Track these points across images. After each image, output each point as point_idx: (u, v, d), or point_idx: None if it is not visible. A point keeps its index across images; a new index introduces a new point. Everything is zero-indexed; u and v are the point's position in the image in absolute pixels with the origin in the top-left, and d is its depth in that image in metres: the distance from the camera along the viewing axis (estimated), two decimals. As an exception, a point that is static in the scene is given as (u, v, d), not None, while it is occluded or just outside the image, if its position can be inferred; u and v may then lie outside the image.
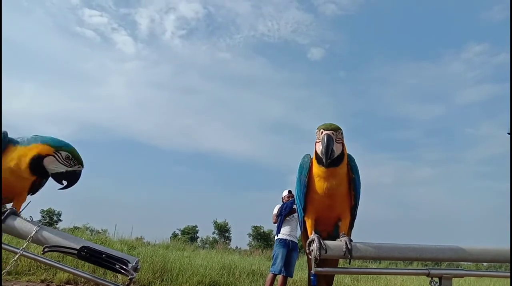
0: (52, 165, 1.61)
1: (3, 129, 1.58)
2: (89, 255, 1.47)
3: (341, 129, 1.70)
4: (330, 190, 1.68)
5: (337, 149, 1.65)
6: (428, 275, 1.56)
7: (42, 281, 7.35)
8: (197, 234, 34.00)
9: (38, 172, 1.61)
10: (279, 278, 6.26)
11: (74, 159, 1.63)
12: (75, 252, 1.47)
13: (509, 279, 1.57)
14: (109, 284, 1.60)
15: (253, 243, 32.54)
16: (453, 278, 1.57)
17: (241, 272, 9.31)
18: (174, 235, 30.92)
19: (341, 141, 1.70)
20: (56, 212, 34.96)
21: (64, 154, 1.61)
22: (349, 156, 1.79)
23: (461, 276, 1.62)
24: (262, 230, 33.29)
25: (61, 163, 1.61)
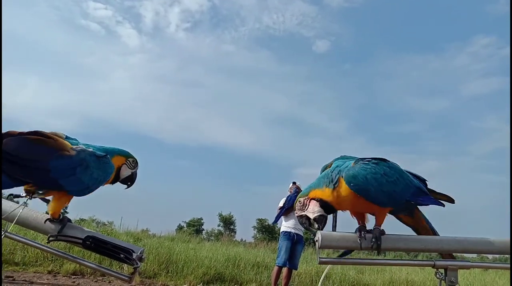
0: (125, 172, 1.75)
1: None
2: (94, 244, 1.48)
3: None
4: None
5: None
6: (433, 266, 1.55)
7: (49, 272, 7.43)
8: (202, 227, 34.21)
9: (114, 181, 1.75)
10: (284, 270, 6.28)
11: (136, 161, 1.78)
12: (80, 241, 1.48)
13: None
14: (115, 274, 1.61)
15: (258, 235, 32.71)
16: (458, 270, 1.56)
17: (246, 264, 9.34)
18: (180, 227, 31.12)
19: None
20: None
21: (131, 159, 1.76)
22: (345, 177, 1.57)
23: (467, 267, 1.61)
24: (266, 223, 33.40)
25: (129, 168, 1.76)
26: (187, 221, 33.63)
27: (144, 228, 15.94)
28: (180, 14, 67.38)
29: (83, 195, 1.55)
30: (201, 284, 7.90)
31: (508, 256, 1.61)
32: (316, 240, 1.49)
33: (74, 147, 1.49)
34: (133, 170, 1.78)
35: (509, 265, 1.74)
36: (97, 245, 1.48)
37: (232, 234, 31.93)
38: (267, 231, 33.01)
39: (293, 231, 6.26)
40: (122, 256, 1.48)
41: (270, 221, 33.47)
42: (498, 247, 1.59)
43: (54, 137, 1.46)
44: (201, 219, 34.09)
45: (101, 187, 1.64)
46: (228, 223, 34.55)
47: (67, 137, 1.61)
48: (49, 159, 1.38)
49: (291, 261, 6.20)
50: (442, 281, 1.55)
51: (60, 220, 1.55)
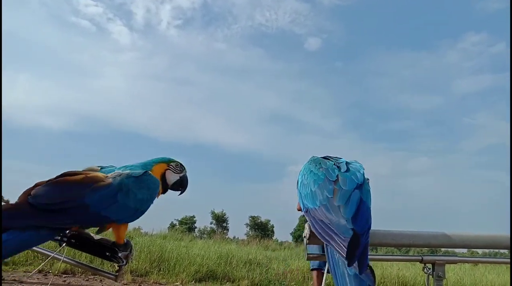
0: (171, 177, 1.72)
1: None
2: (78, 243, 1.46)
3: None
4: None
5: None
6: (421, 261, 1.55)
7: (40, 271, 7.38)
8: (195, 224, 34.16)
9: (164, 190, 1.72)
10: (316, 272, 5.64)
11: (181, 165, 1.76)
12: (65, 240, 1.46)
13: (503, 266, 1.57)
14: (101, 272, 1.59)
15: (250, 232, 32.74)
16: (446, 265, 1.57)
17: (238, 261, 9.37)
18: (172, 225, 31.03)
19: None
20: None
21: (174, 164, 1.73)
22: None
23: (454, 262, 1.62)
24: (259, 220, 33.51)
25: (175, 173, 1.73)
26: (179, 219, 33.58)
27: (136, 226, 15.87)
28: (171, 11, 66.98)
29: (135, 219, 1.51)
30: (193, 281, 7.90)
31: (497, 250, 1.62)
32: (304, 236, 1.47)
33: (109, 175, 1.44)
34: (181, 174, 1.75)
35: (504, 259, 1.76)
36: (82, 243, 1.47)
37: (224, 231, 31.99)
38: (260, 228, 33.11)
39: None
40: (107, 254, 1.47)
41: (263, 218, 33.73)
42: (488, 242, 1.60)
43: (84, 172, 1.41)
44: (194, 217, 34.07)
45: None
46: (220, 220, 34.58)
47: (102, 168, 1.57)
48: (84, 194, 1.31)
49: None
50: (429, 275, 1.55)
51: (125, 244, 1.54)
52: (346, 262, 1.19)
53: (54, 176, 1.36)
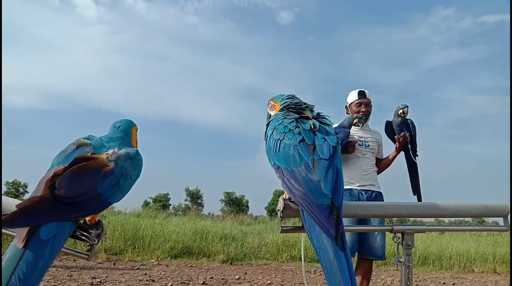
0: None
1: None
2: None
3: None
4: None
5: None
6: (391, 231, 1.60)
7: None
8: (169, 202, 34.13)
9: None
10: (360, 261, 3.09)
11: None
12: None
13: (467, 233, 1.63)
14: (72, 252, 1.56)
15: (225, 208, 33.02)
16: (415, 234, 1.62)
17: (213, 236, 9.45)
18: (146, 203, 30.90)
19: None
20: (22, 183, 34.17)
21: (136, 127, 1.69)
22: None
23: (423, 231, 1.67)
24: (234, 196, 33.76)
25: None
26: (153, 197, 33.44)
27: (109, 205, 15.68)
28: (138, -18, 64.57)
29: (120, 200, 1.43)
30: (168, 258, 7.93)
31: (462, 219, 1.68)
32: (278, 210, 1.46)
33: (108, 156, 1.35)
34: None
35: (464, 227, 1.83)
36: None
37: (199, 208, 32.12)
38: (235, 204, 33.41)
39: (356, 187, 3.11)
40: (78, 233, 1.43)
41: (238, 194, 34.00)
42: (454, 211, 1.65)
43: (91, 156, 1.32)
44: (168, 194, 34.02)
45: None
46: (195, 197, 34.67)
47: (89, 139, 1.47)
48: (96, 183, 1.24)
49: (363, 245, 3.03)
50: (399, 244, 1.60)
51: (96, 223, 1.45)
52: (328, 237, 1.17)
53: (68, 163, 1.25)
